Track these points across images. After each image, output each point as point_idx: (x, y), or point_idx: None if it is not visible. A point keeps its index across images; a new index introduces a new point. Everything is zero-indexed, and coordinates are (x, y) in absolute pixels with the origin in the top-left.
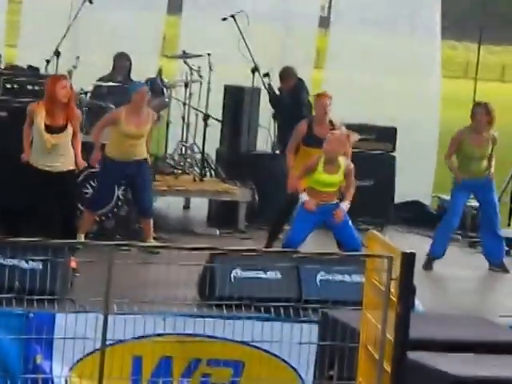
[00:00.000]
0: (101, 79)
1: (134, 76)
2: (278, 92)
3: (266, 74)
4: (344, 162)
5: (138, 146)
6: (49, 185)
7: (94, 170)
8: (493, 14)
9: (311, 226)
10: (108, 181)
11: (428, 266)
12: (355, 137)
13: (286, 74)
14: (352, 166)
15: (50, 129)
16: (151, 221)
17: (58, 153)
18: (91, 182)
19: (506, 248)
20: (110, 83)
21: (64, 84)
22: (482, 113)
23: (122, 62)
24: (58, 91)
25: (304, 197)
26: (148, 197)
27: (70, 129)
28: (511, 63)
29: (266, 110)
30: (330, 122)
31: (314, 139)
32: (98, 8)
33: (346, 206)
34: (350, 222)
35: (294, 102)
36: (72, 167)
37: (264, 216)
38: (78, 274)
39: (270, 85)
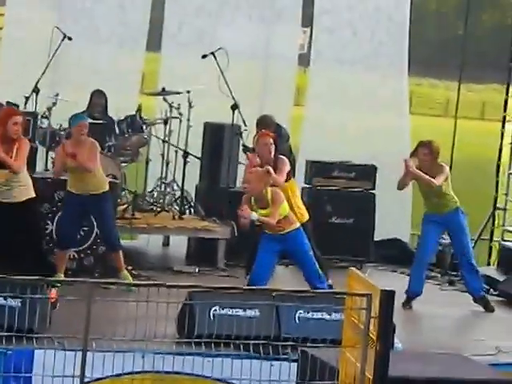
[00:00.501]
0: None
1: (112, 113)
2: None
3: (240, 133)
4: (270, 194)
5: (88, 179)
6: (9, 215)
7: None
8: (473, 52)
9: (273, 256)
10: (67, 214)
11: (407, 304)
12: (272, 171)
13: (264, 123)
14: (276, 193)
15: None
16: (120, 253)
17: (12, 185)
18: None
19: (487, 286)
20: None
21: (16, 120)
22: (424, 152)
23: (98, 99)
24: (9, 126)
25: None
26: (108, 230)
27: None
28: (491, 101)
29: None
30: (276, 157)
31: None
32: (78, 45)
33: (256, 217)
34: (311, 252)
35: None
36: (30, 195)
37: (243, 253)
38: (57, 306)
39: (244, 145)
